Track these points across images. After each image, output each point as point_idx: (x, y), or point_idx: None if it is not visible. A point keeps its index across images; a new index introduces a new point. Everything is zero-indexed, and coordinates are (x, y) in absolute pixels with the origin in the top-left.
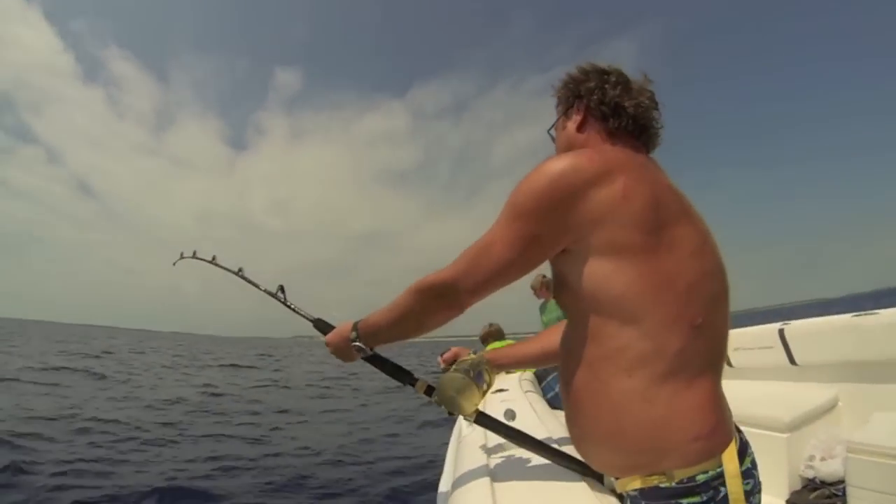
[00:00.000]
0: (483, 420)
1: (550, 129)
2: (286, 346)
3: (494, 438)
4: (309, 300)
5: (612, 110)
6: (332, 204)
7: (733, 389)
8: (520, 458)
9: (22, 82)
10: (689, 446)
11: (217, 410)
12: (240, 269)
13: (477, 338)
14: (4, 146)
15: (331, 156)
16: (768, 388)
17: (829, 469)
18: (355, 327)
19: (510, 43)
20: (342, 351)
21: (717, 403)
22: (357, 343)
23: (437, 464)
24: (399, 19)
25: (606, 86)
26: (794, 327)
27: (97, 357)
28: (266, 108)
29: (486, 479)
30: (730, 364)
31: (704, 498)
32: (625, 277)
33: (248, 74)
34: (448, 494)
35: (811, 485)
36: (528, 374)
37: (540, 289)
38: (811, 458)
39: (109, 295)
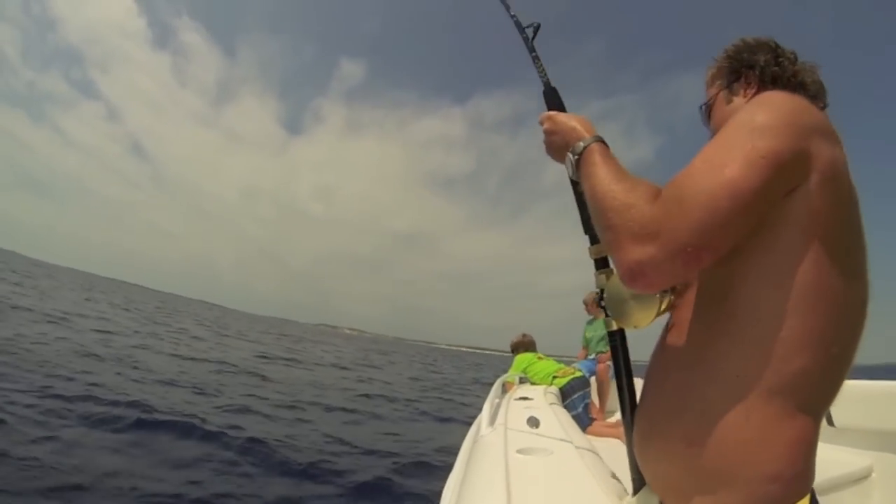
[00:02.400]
0: (616, 337)
1: (707, 102)
2: (312, 333)
3: (516, 441)
4: (339, 288)
5: (792, 87)
6: (375, 199)
7: None
8: (543, 467)
9: (93, 39)
10: (764, 486)
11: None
12: None
13: (506, 352)
14: (68, 98)
15: (382, 152)
16: None
17: None
18: (590, 143)
19: (579, 64)
20: (555, 145)
21: (811, 449)
22: (574, 157)
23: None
24: (470, 26)
25: (783, 59)
26: None
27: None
28: (326, 95)
29: (503, 484)
30: None
31: None
32: (807, 262)
33: (314, 60)
34: (459, 482)
35: None
36: (554, 388)
37: (591, 304)
38: None
39: (145, 255)
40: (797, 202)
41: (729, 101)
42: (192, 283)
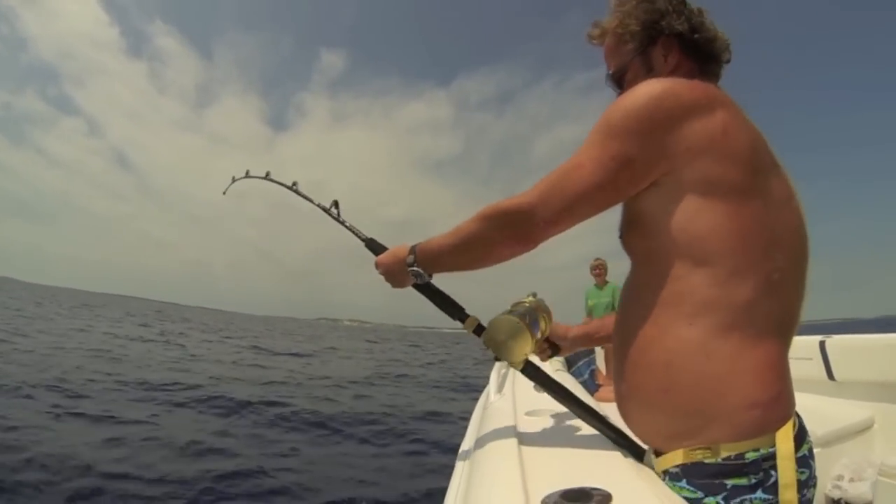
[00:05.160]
0: (530, 370)
1: (619, 70)
2: (312, 327)
3: (524, 405)
4: (337, 281)
5: (705, 52)
6: (367, 189)
7: None
8: (555, 429)
9: (67, 54)
10: (743, 414)
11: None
12: (294, 183)
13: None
14: (46, 116)
15: (370, 141)
16: (803, 400)
17: (857, 491)
18: (413, 251)
19: (560, 37)
20: (394, 275)
21: (782, 372)
22: (414, 268)
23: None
24: (450, 7)
25: (692, 20)
26: (836, 341)
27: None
28: (309, 89)
29: (514, 444)
30: None
31: (753, 481)
32: (712, 217)
33: (293, 54)
34: (470, 453)
35: None
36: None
37: (597, 270)
38: (839, 477)
39: (139, 266)
40: (685, 173)
41: (649, 69)
42: (191, 290)
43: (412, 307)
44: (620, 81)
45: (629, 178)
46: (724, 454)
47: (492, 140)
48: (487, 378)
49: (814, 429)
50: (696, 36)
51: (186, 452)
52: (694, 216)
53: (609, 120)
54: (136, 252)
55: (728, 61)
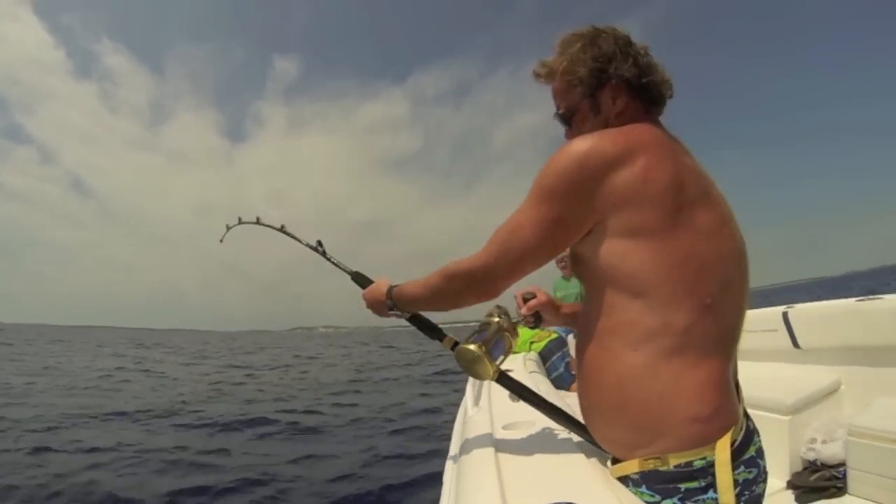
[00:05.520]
0: (504, 381)
1: (567, 114)
2: (289, 338)
3: (500, 417)
4: (309, 289)
5: (652, 94)
6: (330, 193)
7: (738, 370)
8: (529, 440)
9: (13, 81)
10: (686, 428)
11: None
12: (282, 226)
13: (478, 323)
14: None
15: (330, 144)
16: (771, 370)
17: (830, 451)
18: (390, 294)
19: (513, 26)
20: (377, 311)
21: (723, 387)
22: (394, 311)
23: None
24: (400, 3)
25: (639, 62)
26: (798, 311)
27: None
28: (264, 97)
29: (492, 456)
30: None
31: (703, 483)
32: (640, 255)
33: (246, 63)
34: (454, 469)
35: (812, 466)
36: (533, 354)
37: (562, 262)
38: (812, 440)
39: (108, 294)
40: (612, 222)
41: (598, 113)
42: (162, 313)
43: None
44: (569, 121)
45: (564, 235)
46: (673, 463)
47: (451, 133)
48: (464, 388)
49: (784, 397)
50: (643, 80)
51: (179, 472)
52: (624, 256)
53: (542, 184)
54: (103, 280)
55: (671, 97)
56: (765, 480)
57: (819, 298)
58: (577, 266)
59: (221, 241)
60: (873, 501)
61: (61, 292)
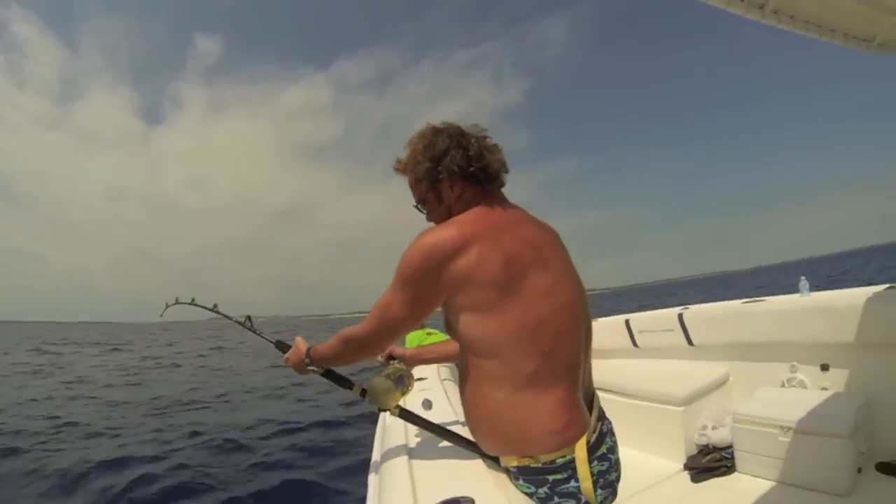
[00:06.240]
0: (403, 414)
1: (417, 204)
2: (209, 328)
3: (413, 428)
4: (227, 277)
5: (484, 174)
6: (249, 179)
7: (638, 368)
8: (434, 444)
9: None
10: (547, 439)
11: None
12: (215, 305)
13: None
14: None
15: (250, 129)
16: (668, 366)
17: (719, 436)
18: (308, 354)
19: (439, 17)
20: (298, 368)
21: (571, 406)
22: (311, 367)
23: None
24: None
25: (470, 151)
26: (692, 312)
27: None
28: (184, 78)
29: (405, 458)
30: (635, 345)
31: (565, 475)
32: (485, 325)
33: (165, 41)
34: (375, 479)
35: (705, 450)
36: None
37: None
38: (704, 427)
39: (15, 287)
40: (457, 299)
41: (441, 201)
42: (73, 304)
43: (302, 297)
44: (423, 209)
45: (423, 308)
46: (542, 460)
47: (373, 121)
48: None
49: (678, 390)
50: (471, 169)
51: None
52: (474, 326)
53: (400, 272)
54: (7, 270)
55: (506, 172)
56: (617, 470)
57: (715, 298)
58: (450, 331)
59: (161, 316)
60: (758, 476)
61: None
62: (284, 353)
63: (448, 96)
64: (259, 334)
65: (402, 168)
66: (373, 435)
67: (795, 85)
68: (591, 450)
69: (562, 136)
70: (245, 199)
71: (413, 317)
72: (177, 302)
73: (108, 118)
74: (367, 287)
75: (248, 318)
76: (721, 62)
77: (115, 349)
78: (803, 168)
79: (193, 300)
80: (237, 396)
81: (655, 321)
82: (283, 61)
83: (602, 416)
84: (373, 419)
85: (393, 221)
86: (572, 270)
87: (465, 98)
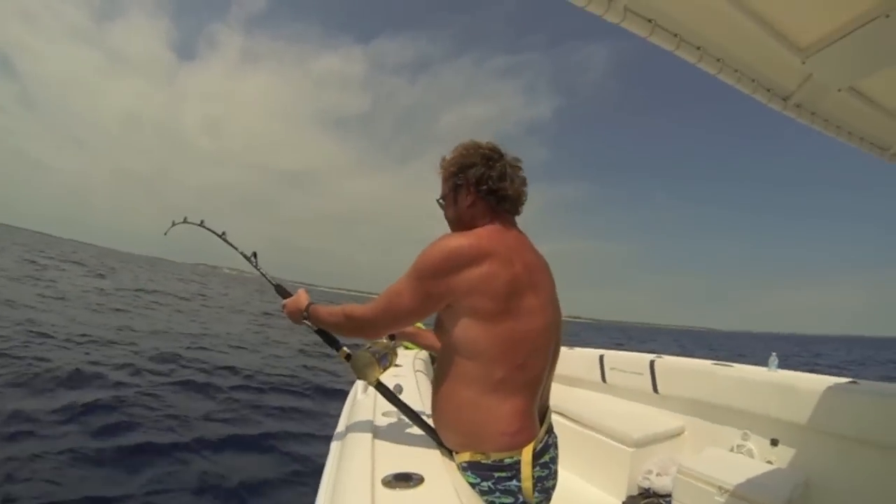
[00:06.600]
0: (380, 388)
1: (440, 199)
2: (195, 273)
3: (382, 407)
4: (222, 225)
5: (496, 195)
6: (266, 134)
7: (602, 403)
8: (397, 426)
9: None
10: (499, 438)
11: None
12: (223, 233)
13: (375, 294)
14: None
15: (277, 86)
16: (630, 407)
17: (661, 483)
18: (307, 309)
19: (489, 16)
20: (293, 316)
21: (526, 415)
22: (307, 322)
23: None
24: None
25: (492, 172)
26: (664, 362)
27: None
28: (225, 20)
29: (369, 434)
30: (604, 381)
31: (510, 474)
32: (475, 330)
33: None
34: (338, 445)
35: (645, 493)
36: (424, 353)
37: None
38: (649, 471)
39: (11, 187)
40: (461, 303)
41: (456, 203)
42: (66, 221)
43: (290, 261)
44: (443, 204)
45: (431, 304)
46: (493, 458)
47: (400, 105)
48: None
49: (632, 432)
50: (482, 187)
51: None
52: (466, 329)
53: (418, 265)
54: (7, 171)
55: (522, 204)
56: (554, 478)
57: (690, 353)
58: (438, 330)
59: (166, 234)
60: None
61: None
62: (284, 298)
63: (478, 97)
64: (262, 273)
65: (442, 164)
66: (341, 407)
67: (830, 184)
68: (536, 456)
69: (577, 161)
70: (258, 152)
71: (417, 311)
72: (185, 221)
73: (142, 44)
74: (355, 266)
75: (255, 254)
76: (758, 147)
77: (100, 275)
78: (813, 249)
79: (202, 222)
80: (212, 340)
81: (628, 362)
82: (325, 27)
83: (550, 430)
84: (340, 397)
85: (395, 210)
86: (555, 298)
87: (494, 102)
